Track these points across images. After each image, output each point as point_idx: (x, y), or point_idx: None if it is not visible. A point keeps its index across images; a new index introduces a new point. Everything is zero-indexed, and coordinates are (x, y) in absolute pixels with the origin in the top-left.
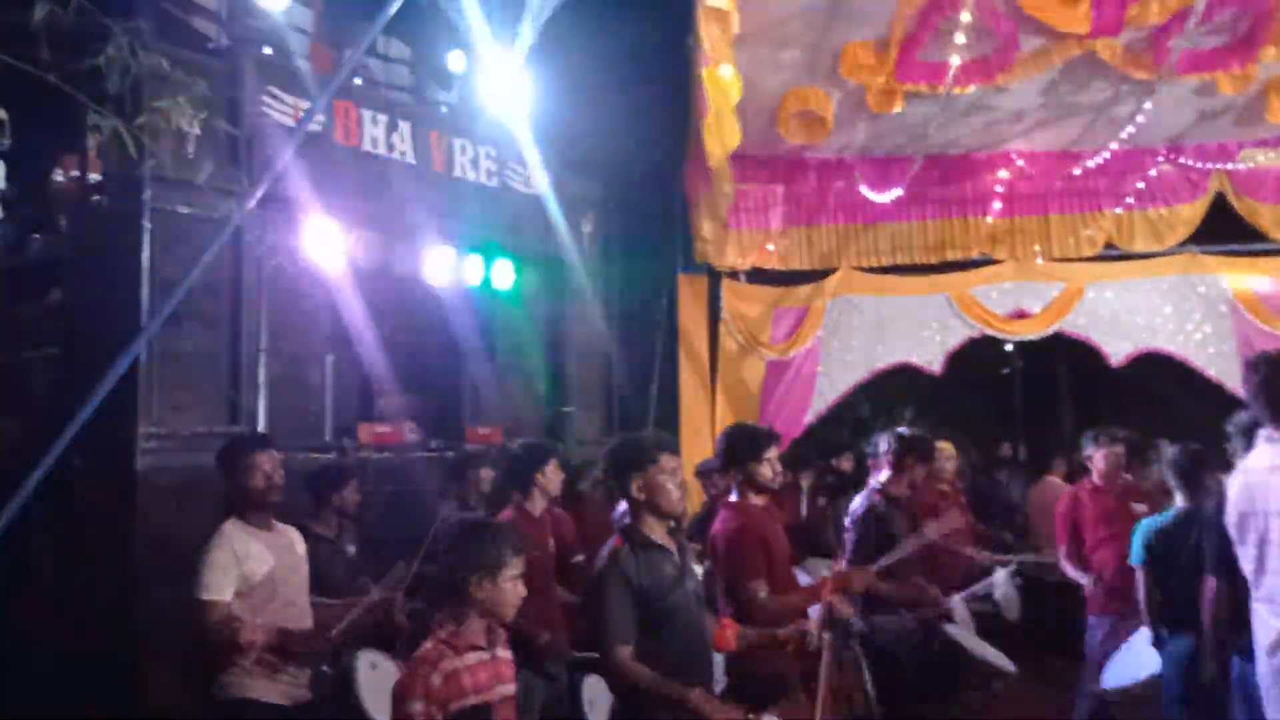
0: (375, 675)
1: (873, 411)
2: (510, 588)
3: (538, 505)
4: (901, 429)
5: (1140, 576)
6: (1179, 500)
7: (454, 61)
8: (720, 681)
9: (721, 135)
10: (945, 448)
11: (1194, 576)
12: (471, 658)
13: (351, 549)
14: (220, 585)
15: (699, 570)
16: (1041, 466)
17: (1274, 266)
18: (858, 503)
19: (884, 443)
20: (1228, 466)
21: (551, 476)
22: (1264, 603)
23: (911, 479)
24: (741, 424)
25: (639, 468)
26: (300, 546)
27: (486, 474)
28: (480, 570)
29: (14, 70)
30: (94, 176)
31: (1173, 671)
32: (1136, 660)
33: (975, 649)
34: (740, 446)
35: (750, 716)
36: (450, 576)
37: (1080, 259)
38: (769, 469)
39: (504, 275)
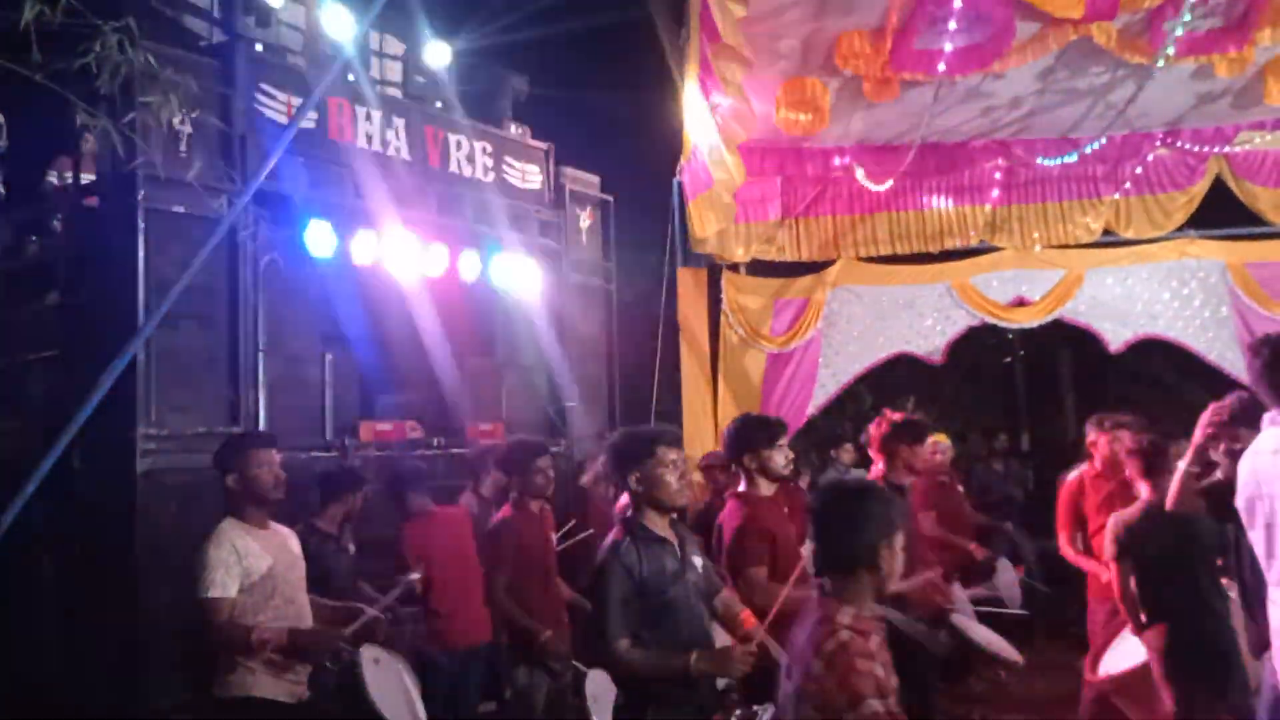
0: (378, 670)
1: (875, 402)
2: (901, 554)
3: (533, 503)
4: (884, 414)
5: (1113, 569)
6: (1143, 492)
7: (448, 57)
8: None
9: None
10: (940, 440)
11: (1163, 566)
12: (877, 639)
13: (352, 547)
14: (225, 582)
15: (699, 562)
16: (1045, 457)
17: (1272, 250)
18: None
19: (872, 430)
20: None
21: (537, 476)
22: (1276, 586)
23: (906, 463)
24: (750, 414)
25: (638, 460)
26: (295, 545)
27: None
28: (890, 534)
29: (5, 71)
30: (88, 177)
31: (1155, 656)
32: (1134, 645)
33: (982, 639)
34: (752, 435)
35: (756, 709)
36: (855, 546)
37: (1079, 245)
38: (782, 456)
39: (501, 271)
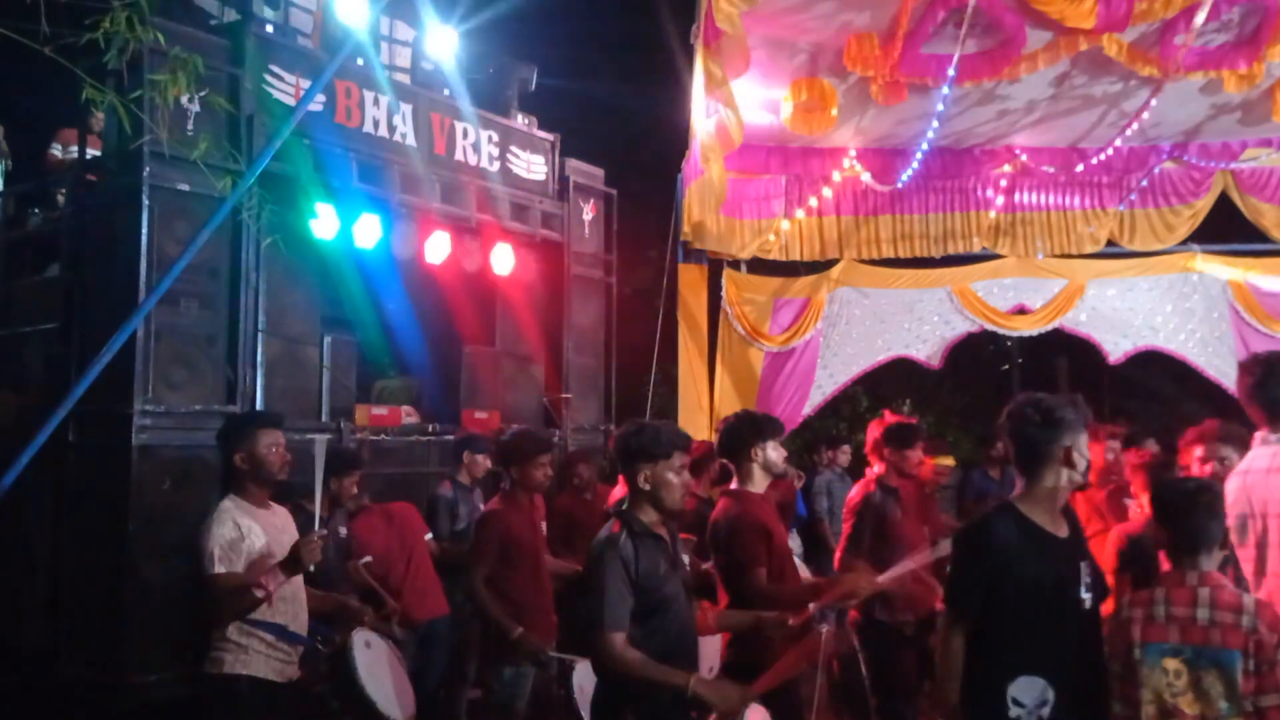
0: (370, 654)
1: (871, 404)
2: None
3: (522, 495)
4: (880, 418)
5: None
6: (1148, 506)
7: (457, 45)
8: (712, 669)
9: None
10: (947, 463)
11: None
12: None
13: (342, 530)
14: (230, 558)
15: (685, 559)
16: None
17: (1274, 267)
18: (854, 493)
19: (868, 433)
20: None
21: (534, 473)
22: None
23: (895, 467)
24: (748, 410)
25: (651, 458)
26: (291, 527)
27: (483, 459)
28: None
29: (12, 43)
30: (93, 152)
31: None
32: None
33: None
34: (748, 432)
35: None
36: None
37: (1082, 255)
38: (777, 454)
39: (503, 260)
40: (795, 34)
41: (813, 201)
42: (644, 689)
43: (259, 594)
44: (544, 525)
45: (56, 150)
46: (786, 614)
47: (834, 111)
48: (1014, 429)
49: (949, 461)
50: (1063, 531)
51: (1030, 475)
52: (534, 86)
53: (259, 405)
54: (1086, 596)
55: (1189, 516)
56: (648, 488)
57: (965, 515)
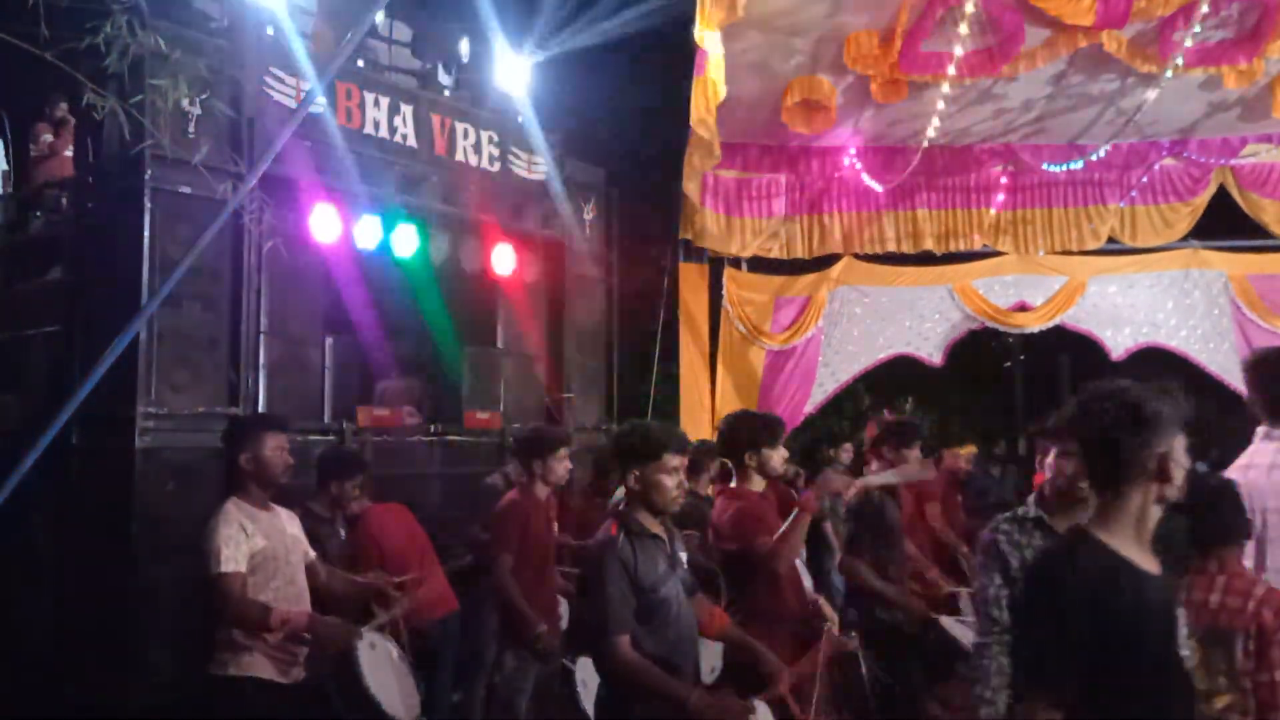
0: (374, 655)
1: (873, 402)
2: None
3: (540, 490)
4: (881, 417)
5: None
6: None
7: (457, 45)
8: (715, 669)
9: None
10: (967, 450)
11: None
12: None
13: (342, 533)
14: (236, 558)
15: (684, 558)
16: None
17: (1274, 262)
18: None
19: (869, 431)
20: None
21: (555, 466)
22: None
23: (893, 465)
24: (748, 411)
25: (642, 459)
26: (292, 528)
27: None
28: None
29: (10, 46)
30: (69, 151)
31: None
32: None
33: (969, 642)
34: (748, 432)
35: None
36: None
37: (1082, 252)
38: (779, 456)
39: (505, 260)
40: (799, 31)
41: (813, 200)
42: (654, 697)
43: (271, 620)
44: (555, 526)
45: (44, 134)
46: (781, 667)
47: (833, 110)
48: (1090, 431)
49: (971, 449)
50: (1154, 566)
51: (1110, 492)
52: (531, 87)
53: (261, 407)
54: (1187, 654)
55: (1214, 511)
56: (638, 488)
57: (969, 515)
